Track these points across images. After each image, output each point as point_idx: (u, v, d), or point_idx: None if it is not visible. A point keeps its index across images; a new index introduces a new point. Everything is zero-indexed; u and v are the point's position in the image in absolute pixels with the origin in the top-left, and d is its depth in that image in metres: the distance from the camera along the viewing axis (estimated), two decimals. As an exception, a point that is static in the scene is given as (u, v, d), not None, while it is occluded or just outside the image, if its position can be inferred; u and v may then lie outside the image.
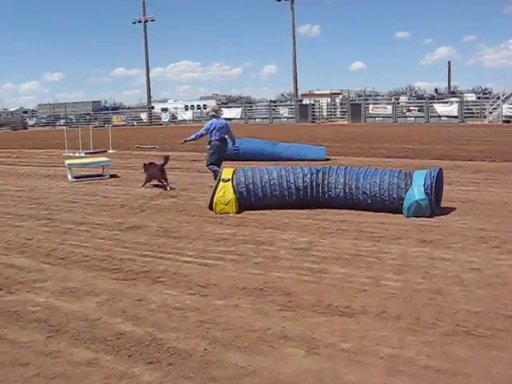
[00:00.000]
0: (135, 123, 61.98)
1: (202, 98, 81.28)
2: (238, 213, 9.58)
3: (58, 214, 10.11)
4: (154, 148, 25.06)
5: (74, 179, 14.64)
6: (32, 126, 71.14)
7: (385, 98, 66.06)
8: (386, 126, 40.99)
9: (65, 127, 56.00)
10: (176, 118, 62.37)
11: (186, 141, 12.74)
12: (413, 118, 47.25)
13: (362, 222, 8.69)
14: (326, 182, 9.76)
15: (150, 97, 68.38)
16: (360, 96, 56.87)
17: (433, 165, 12.59)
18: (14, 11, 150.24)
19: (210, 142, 12.15)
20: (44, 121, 73.16)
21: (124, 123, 60.66)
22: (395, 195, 9.21)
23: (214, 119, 12.27)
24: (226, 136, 12.29)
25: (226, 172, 9.99)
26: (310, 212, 9.55)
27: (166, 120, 60.70)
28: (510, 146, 20.72)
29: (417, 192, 8.92)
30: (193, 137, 12.45)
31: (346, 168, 9.95)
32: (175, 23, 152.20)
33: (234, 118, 54.72)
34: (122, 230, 8.60)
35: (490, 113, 43.23)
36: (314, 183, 9.76)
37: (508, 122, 39.58)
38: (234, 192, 9.68)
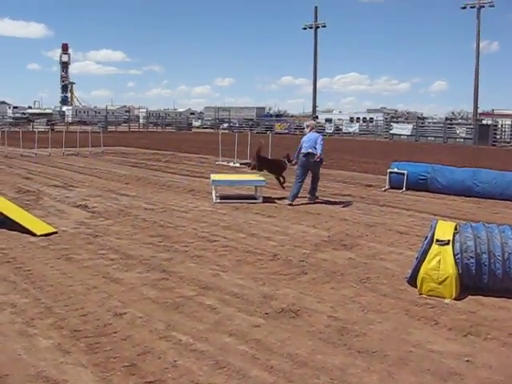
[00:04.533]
0: (297, 132, 59.44)
1: (368, 111, 77.30)
2: (457, 299, 5.78)
3: (180, 261, 6.91)
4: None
5: (218, 200, 11.57)
6: (197, 128, 71.71)
7: None
8: None
9: (227, 131, 55.49)
10: (341, 129, 58.90)
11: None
12: None
13: None
14: None
15: (315, 105, 65.56)
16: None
17: None
18: (191, 14, 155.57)
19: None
20: (209, 123, 73.66)
21: (286, 131, 58.46)
22: None
23: (306, 134, 12.04)
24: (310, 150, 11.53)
25: (443, 227, 6.19)
26: None
27: (330, 131, 57.41)
28: None
29: None
30: (295, 155, 12.12)
31: None
32: (346, 33, 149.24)
33: (403, 135, 50.28)
34: (268, 317, 5.13)
35: None
36: None
37: None
38: (456, 264, 5.87)
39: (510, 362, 4.42)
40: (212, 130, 62.77)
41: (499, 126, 51.24)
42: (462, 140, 48.27)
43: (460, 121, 63.46)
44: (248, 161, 17.29)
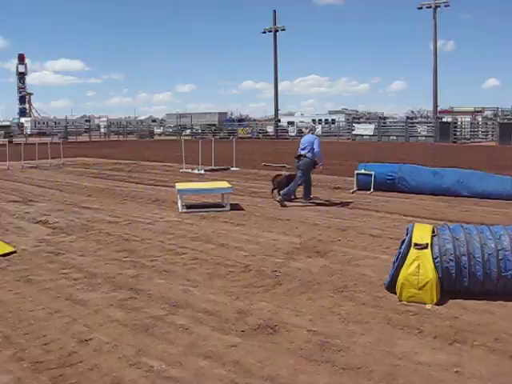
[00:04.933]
0: (261, 136, 59.39)
1: (330, 113, 77.69)
2: (439, 304, 5.58)
3: (148, 277, 6.56)
4: (284, 167, 21.46)
5: (184, 209, 11.23)
6: (159, 135, 71.12)
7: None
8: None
9: (190, 137, 55.04)
10: (303, 132, 58.92)
11: None
12: None
13: None
14: None
15: (277, 109, 65.50)
16: (507, 115, 50.62)
17: None
18: (150, 23, 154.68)
19: None
20: (171, 130, 73.17)
21: (249, 135, 58.38)
22: None
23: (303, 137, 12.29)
24: (306, 151, 11.77)
25: (420, 230, 5.98)
26: None
27: (293, 134, 57.47)
28: None
29: None
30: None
31: None
32: (305, 36, 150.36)
33: (365, 135, 50.59)
34: (244, 335, 4.84)
35: None
36: None
37: None
38: (435, 268, 5.66)
39: (501, 370, 4.22)
40: (174, 137, 62.12)
41: (459, 123, 51.95)
42: (423, 138, 48.76)
43: (420, 119, 64.07)
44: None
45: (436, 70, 53.91)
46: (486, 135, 51.93)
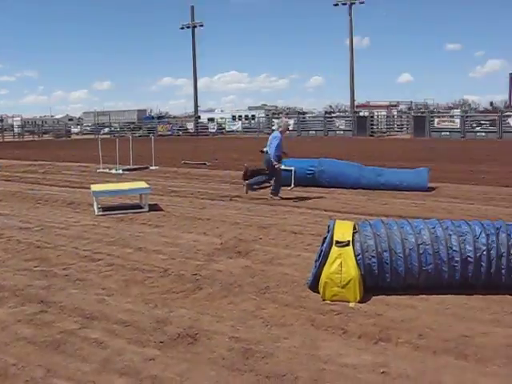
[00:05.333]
0: (181, 133, 58.75)
1: (250, 109, 77.77)
2: (362, 301, 5.51)
3: (60, 288, 6.16)
4: (205, 164, 21.24)
5: (100, 212, 10.78)
6: (76, 134, 69.15)
7: (447, 110, 61.18)
8: (457, 142, 36.36)
9: (108, 136, 53.66)
10: (223, 128, 58.81)
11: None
12: (483, 133, 42.60)
13: None
14: (514, 251, 5.62)
15: (196, 105, 64.97)
16: (420, 108, 52.41)
17: None
18: (65, 19, 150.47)
19: None
20: (89, 129, 71.22)
21: (169, 133, 57.63)
22: None
23: None
24: (266, 148, 11.98)
25: (342, 227, 5.89)
26: (492, 303, 5.42)
27: (213, 130, 57.25)
28: None
29: None
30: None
31: (547, 226, 5.77)
32: (223, 33, 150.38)
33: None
34: (163, 346, 4.57)
35: None
36: (494, 252, 5.62)
37: None
38: (358, 265, 5.59)
39: (426, 367, 4.16)
40: (92, 136, 60.51)
41: (375, 117, 53.34)
42: (341, 132, 49.71)
43: (338, 114, 65.22)
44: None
45: (352, 65, 54.97)
46: (401, 128, 53.53)
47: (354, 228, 5.85)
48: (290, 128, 50.90)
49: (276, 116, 57.90)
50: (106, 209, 11.03)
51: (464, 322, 5.03)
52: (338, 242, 5.63)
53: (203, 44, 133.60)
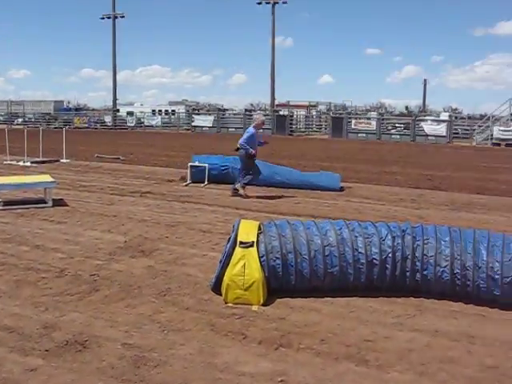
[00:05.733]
0: (98, 126, 57.17)
1: (170, 104, 76.86)
2: (266, 304, 5.33)
3: None
4: (119, 158, 20.62)
5: (1, 206, 10.14)
6: (-12, 124, 65.98)
7: (364, 112, 62.70)
8: (373, 143, 37.21)
9: (21, 127, 51.45)
10: (142, 122, 57.71)
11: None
12: (398, 136, 43.90)
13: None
14: (418, 254, 5.59)
15: (115, 98, 63.47)
16: (338, 110, 53.40)
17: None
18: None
19: None
20: (1, 118, 67.83)
21: (86, 125, 55.92)
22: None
23: None
24: (241, 142, 11.95)
25: (247, 227, 5.68)
26: (396, 306, 5.38)
27: (132, 124, 56.12)
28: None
29: None
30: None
31: (451, 229, 5.79)
32: (146, 27, 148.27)
33: (205, 126, 50.62)
34: (48, 355, 4.20)
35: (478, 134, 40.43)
36: (399, 254, 5.59)
37: (498, 144, 37.15)
38: (262, 267, 5.40)
39: (326, 375, 4.01)
40: (5, 126, 57.91)
41: (295, 116, 53.85)
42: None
43: (254, 112, 65.38)
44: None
45: (273, 64, 55.25)
46: (320, 128, 54.31)
47: (259, 228, 5.67)
48: (210, 125, 50.65)
49: (196, 112, 57.36)
50: (7, 203, 10.38)
51: (367, 325, 4.95)
52: (241, 243, 5.42)
53: (126, 36, 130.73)
